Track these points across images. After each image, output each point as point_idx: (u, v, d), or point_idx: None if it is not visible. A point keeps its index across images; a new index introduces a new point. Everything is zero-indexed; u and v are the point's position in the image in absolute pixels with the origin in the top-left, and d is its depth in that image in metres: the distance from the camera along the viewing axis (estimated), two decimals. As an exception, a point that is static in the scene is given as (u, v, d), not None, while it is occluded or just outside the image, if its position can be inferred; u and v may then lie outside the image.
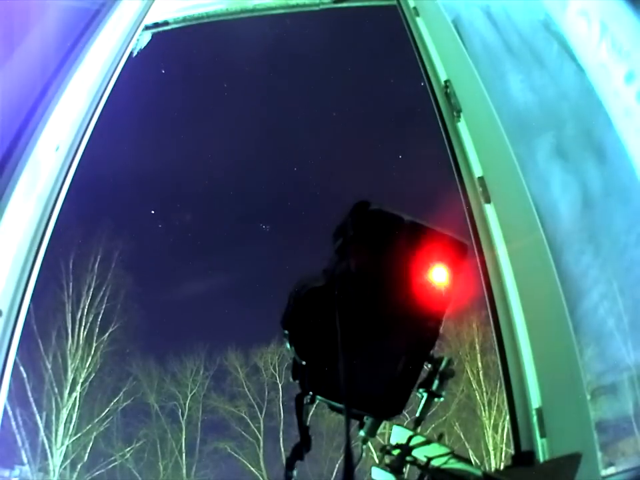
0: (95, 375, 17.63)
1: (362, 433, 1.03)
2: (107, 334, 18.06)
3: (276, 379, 19.61)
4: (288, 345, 0.99)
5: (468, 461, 1.12)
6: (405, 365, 0.99)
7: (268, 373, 19.75)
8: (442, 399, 1.09)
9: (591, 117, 2.23)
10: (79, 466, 16.85)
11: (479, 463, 15.32)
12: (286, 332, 0.99)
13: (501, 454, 17.07)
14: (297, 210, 29.47)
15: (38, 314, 16.04)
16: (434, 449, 1.09)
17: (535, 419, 1.80)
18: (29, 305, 2.16)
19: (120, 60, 2.76)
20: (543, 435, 1.76)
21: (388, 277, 0.99)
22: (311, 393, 0.98)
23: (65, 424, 16.63)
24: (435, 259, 0.99)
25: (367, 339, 0.97)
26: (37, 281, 2.21)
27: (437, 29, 2.64)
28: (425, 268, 0.98)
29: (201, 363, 19.85)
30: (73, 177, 2.45)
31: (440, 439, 1.11)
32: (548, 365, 1.86)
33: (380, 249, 0.99)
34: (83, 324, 17.86)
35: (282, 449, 18.25)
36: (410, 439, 1.10)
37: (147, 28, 3.23)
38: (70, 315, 17.80)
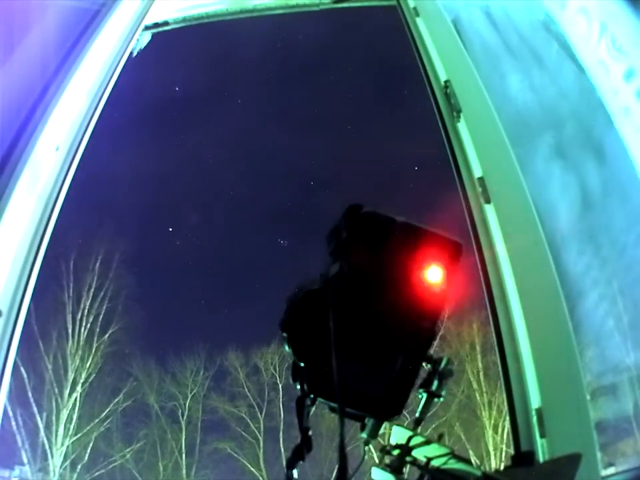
0: (95, 376, 17.64)
1: (363, 435, 1.03)
2: (108, 334, 18.07)
3: (276, 379, 19.62)
4: (287, 348, 1.00)
5: (468, 461, 1.12)
6: (403, 366, 0.99)
7: (268, 373, 19.76)
8: (442, 399, 1.09)
9: (591, 116, 2.23)
10: (79, 466, 16.85)
11: (479, 463, 15.32)
12: (285, 334, 0.99)
13: (501, 454, 17.06)
14: (299, 209, 29.51)
15: (38, 314, 16.04)
16: (434, 449, 1.09)
17: (534, 419, 1.80)
18: (29, 305, 2.16)
19: (120, 60, 2.76)
20: (542, 435, 1.76)
21: (382, 278, 0.99)
22: (311, 395, 0.98)
23: (65, 424, 16.63)
24: (429, 258, 0.99)
25: (363, 340, 0.98)
26: (37, 281, 2.21)
27: (437, 29, 2.64)
28: (420, 268, 0.98)
29: (201, 363, 19.86)
30: (73, 177, 2.45)
31: (440, 439, 1.12)
32: (548, 365, 1.86)
33: (373, 251, 0.99)
34: (84, 324, 17.87)
35: (282, 449, 18.25)
36: (410, 439, 1.10)
37: (147, 28, 3.23)
38: (70, 315, 17.81)
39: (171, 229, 23.59)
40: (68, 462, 16.64)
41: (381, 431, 1.03)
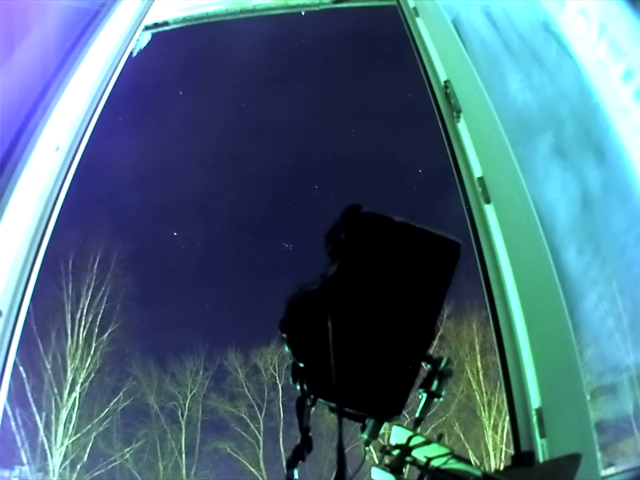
0: (94, 375, 17.64)
1: (364, 435, 1.03)
2: (107, 334, 18.07)
3: (276, 379, 19.63)
4: (286, 348, 1.00)
5: (468, 461, 1.12)
6: (402, 366, 0.99)
7: (268, 373, 19.77)
8: (442, 399, 1.09)
9: (590, 116, 2.24)
10: (78, 466, 16.85)
11: (478, 463, 15.33)
12: (284, 335, 1.00)
13: (501, 454, 17.08)
14: (298, 209, 29.47)
15: (37, 314, 16.04)
16: (434, 449, 1.09)
17: (534, 419, 1.80)
18: (29, 305, 2.16)
19: (120, 60, 2.76)
20: (542, 435, 1.76)
21: (380, 279, 0.99)
22: (311, 395, 0.98)
23: (64, 424, 16.63)
24: (427, 259, 0.99)
25: (362, 341, 0.98)
26: (36, 281, 2.21)
27: (437, 29, 2.64)
28: (418, 268, 0.99)
29: (201, 363, 19.87)
30: (73, 176, 2.45)
31: (440, 439, 1.12)
32: (548, 365, 1.86)
33: (372, 251, 1.00)
34: (83, 324, 17.86)
35: (282, 450, 18.26)
36: (410, 439, 1.10)
37: (147, 28, 3.23)
38: (69, 315, 17.81)
39: (175, 233, 23.53)
40: (67, 462, 16.64)
41: (381, 431, 1.04)
